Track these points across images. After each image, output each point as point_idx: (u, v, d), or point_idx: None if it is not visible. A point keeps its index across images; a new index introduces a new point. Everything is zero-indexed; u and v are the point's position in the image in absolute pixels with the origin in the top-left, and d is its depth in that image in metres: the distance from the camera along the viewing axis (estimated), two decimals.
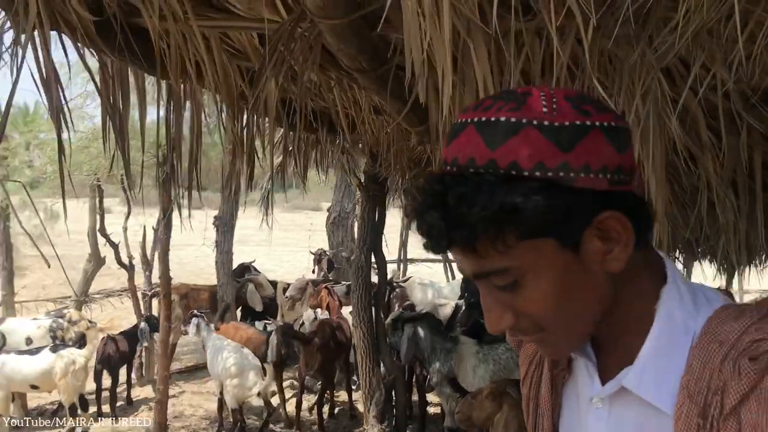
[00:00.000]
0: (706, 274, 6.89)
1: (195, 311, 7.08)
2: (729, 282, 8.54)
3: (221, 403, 6.50)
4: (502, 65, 1.82)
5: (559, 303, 0.80)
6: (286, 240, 22.89)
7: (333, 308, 7.52)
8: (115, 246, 8.62)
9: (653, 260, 0.87)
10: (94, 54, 2.21)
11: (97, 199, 8.73)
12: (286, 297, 7.84)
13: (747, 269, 5.94)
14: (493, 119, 0.77)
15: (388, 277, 7.38)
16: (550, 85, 1.28)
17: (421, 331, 5.69)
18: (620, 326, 0.86)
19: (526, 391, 1.05)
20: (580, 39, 1.52)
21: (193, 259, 18.13)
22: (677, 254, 6.74)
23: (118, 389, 7.27)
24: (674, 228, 3.50)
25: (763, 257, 5.37)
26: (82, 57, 2.13)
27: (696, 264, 7.37)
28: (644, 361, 0.81)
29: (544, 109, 0.76)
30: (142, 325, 7.39)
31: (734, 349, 0.74)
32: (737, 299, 9.53)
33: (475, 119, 0.78)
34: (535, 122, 0.75)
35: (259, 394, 6.36)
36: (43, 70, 1.93)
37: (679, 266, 7.67)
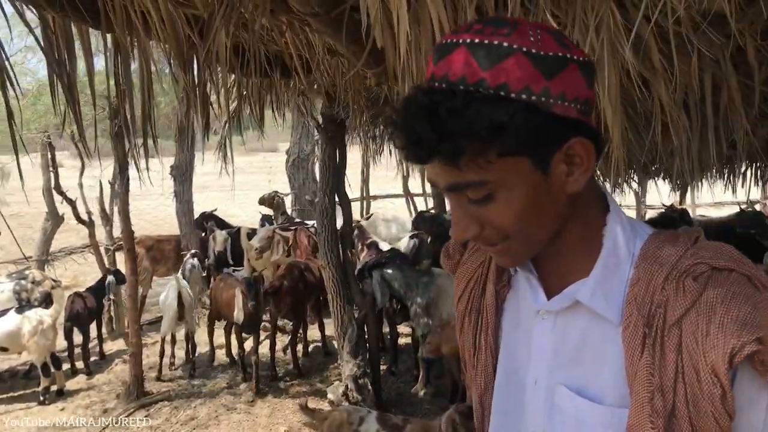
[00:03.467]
0: (659, 191, 7.10)
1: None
2: (682, 198, 8.80)
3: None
4: (456, 2, 1.81)
5: (525, 217, 0.88)
6: (247, 184, 22.70)
7: (302, 250, 7.55)
8: (72, 203, 8.43)
9: (596, 190, 0.97)
10: (34, 11, 2.13)
11: (49, 156, 8.47)
12: (256, 249, 7.81)
13: (698, 185, 6.14)
14: (486, 42, 0.82)
15: None
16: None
17: (389, 274, 5.77)
18: (567, 246, 0.95)
19: (462, 308, 1.15)
20: None
21: (152, 210, 17.93)
22: (633, 174, 6.91)
23: (90, 344, 7.24)
24: (630, 151, 3.57)
25: (713, 173, 5.54)
26: (21, 14, 2.05)
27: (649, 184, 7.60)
28: (596, 278, 0.92)
29: (532, 38, 0.82)
30: (109, 278, 7.33)
31: (675, 269, 0.86)
32: (690, 213, 9.84)
33: (468, 40, 0.83)
34: (524, 49, 0.81)
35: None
36: None
37: (635, 185, 7.88)
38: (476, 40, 0.83)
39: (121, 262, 8.24)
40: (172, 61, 2.80)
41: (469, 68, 0.82)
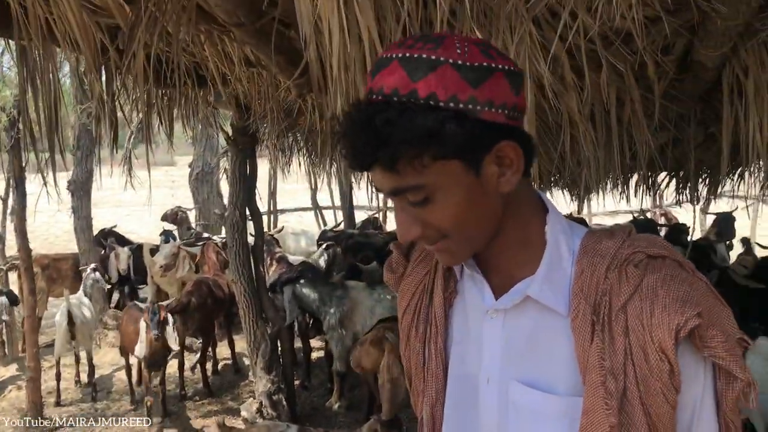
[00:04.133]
0: (558, 200, 7.39)
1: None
2: (580, 207, 9.19)
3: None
4: (382, 20, 1.84)
5: (462, 216, 0.94)
6: (145, 198, 21.93)
7: (209, 266, 7.37)
8: None
9: (533, 192, 1.04)
10: None
11: None
12: (161, 266, 7.55)
13: (598, 195, 6.44)
14: (416, 55, 0.88)
15: None
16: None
17: (301, 289, 5.71)
18: (509, 245, 1.01)
19: (408, 320, 1.16)
20: None
21: (47, 227, 17.01)
22: (540, 185, 7.17)
23: None
24: (539, 162, 3.72)
25: (611, 181, 5.82)
26: None
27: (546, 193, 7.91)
28: (543, 274, 0.97)
29: (458, 51, 0.88)
30: (2, 299, 6.90)
31: (615, 259, 0.93)
32: (587, 221, 10.30)
33: (399, 55, 0.89)
34: (450, 61, 0.87)
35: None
36: None
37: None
38: (407, 55, 0.89)
39: (14, 282, 7.77)
40: (79, 71, 2.71)
41: (402, 81, 0.88)
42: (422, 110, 0.86)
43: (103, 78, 2.88)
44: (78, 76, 2.78)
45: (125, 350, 6.28)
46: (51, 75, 2.66)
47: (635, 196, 6.48)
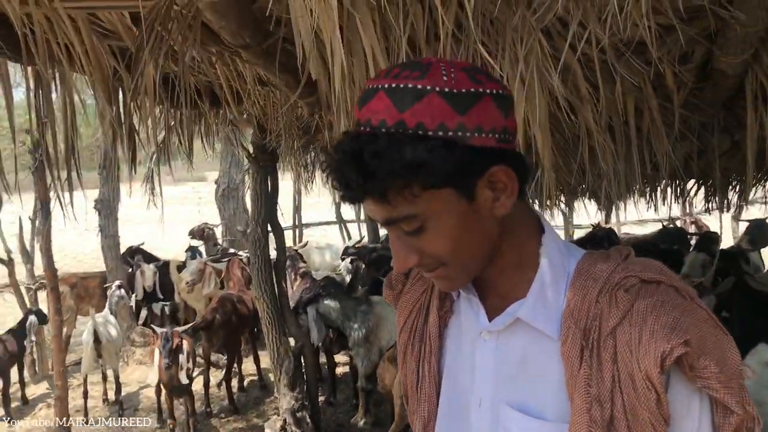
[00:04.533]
0: (587, 211, 7.29)
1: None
2: (608, 217, 9.03)
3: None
4: (388, 34, 1.82)
5: (457, 243, 0.92)
6: (176, 215, 22.15)
7: (234, 282, 7.40)
8: None
9: (530, 213, 1.02)
10: None
11: None
12: (187, 283, 7.60)
13: (624, 205, 6.34)
14: (401, 85, 0.87)
15: None
16: (447, 58, 1.36)
17: (324, 308, 5.68)
18: (505, 267, 1.00)
19: (405, 338, 1.16)
20: (463, 5, 1.54)
21: (76, 246, 17.24)
22: (561, 196, 7.07)
23: (11, 389, 6.87)
24: (558, 175, 3.66)
25: (635, 192, 5.73)
26: None
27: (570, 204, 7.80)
28: (535, 296, 0.96)
29: (444, 78, 0.87)
30: (31, 318, 6.97)
31: (608, 283, 0.91)
32: (615, 230, 10.14)
33: (385, 85, 0.88)
34: (437, 89, 0.86)
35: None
36: None
37: (562, 206, 8.08)
38: (393, 85, 0.87)
39: (44, 301, 7.87)
40: (96, 94, 2.72)
41: (389, 111, 0.87)
42: (410, 140, 0.85)
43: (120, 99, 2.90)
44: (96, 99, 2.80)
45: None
46: (67, 99, 2.70)
47: (663, 204, 6.36)
